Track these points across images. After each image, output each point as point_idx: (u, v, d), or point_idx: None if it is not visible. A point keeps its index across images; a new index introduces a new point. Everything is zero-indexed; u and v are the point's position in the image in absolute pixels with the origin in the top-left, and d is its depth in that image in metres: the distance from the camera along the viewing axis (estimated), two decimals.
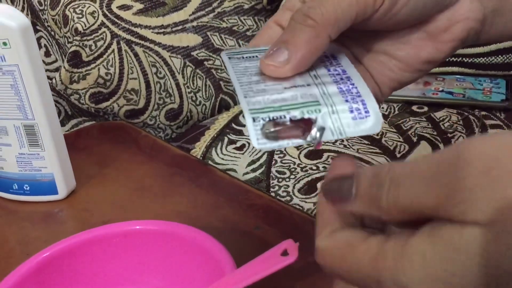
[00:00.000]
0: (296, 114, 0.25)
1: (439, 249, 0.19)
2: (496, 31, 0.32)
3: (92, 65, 0.65)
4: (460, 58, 0.72)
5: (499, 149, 0.19)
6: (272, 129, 0.25)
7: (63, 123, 0.68)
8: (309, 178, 0.55)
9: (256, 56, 0.28)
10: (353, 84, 0.27)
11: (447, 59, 0.73)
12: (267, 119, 0.25)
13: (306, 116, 0.25)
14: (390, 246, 0.21)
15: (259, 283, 0.34)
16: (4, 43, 0.43)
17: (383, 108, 0.66)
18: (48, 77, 0.50)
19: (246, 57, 0.28)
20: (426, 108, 0.66)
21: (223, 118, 0.69)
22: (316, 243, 0.24)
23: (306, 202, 0.53)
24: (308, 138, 0.25)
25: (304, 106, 0.26)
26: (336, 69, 0.28)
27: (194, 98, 0.71)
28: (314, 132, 0.25)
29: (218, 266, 0.31)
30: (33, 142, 0.47)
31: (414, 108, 0.66)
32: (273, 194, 0.54)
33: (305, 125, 0.25)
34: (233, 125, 0.66)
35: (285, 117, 0.25)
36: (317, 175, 0.55)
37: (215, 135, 0.65)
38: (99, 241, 0.34)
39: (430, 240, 0.20)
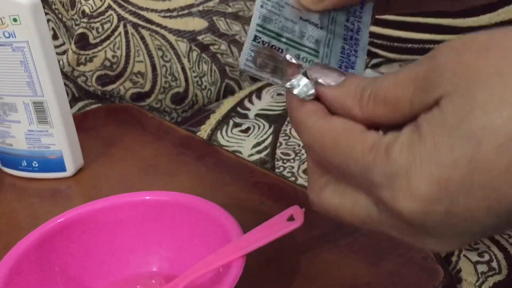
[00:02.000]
0: (292, 55, 0.26)
1: (435, 137, 0.20)
2: None
3: (99, 48, 0.65)
4: None
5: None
6: (263, 61, 0.26)
7: (70, 105, 0.68)
8: None
9: None
10: (356, 52, 0.28)
11: None
12: (266, 45, 0.26)
13: (300, 61, 0.26)
14: (385, 140, 0.22)
15: (265, 256, 0.34)
16: (14, 19, 0.43)
17: None
18: None
19: None
20: None
21: (229, 102, 0.69)
22: (303, 119, 0.24)
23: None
24: (288, 84, 0.26)
25: (303, 50, 0.27)
26: (353, 22, 0.29)
27: (199, 83, 0.71)
28: (295, 81, 0.26)
29: (226, 232, 0.31)
30: (42, 119, 0.48)
31: None
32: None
33: (294, 68, 0.26)
34: (239, 108, 0.67)
35: (282, 51, 0.26)
36: None
37: (221, 118, 0.65)
38: (109, 210, 0.35)
39: (414, 130, 0.21)
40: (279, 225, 0.29)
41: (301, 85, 0.25)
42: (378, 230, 0.23)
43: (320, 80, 0.25)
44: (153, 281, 0.33)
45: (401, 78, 0.22)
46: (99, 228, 0.35)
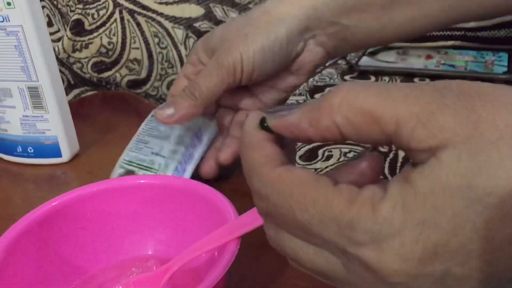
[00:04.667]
0: (138, 172, 0.41)
1: (420, 190, 0.19)
2: (344, 51, 0.43)
3: (95, 34, 0.65)
4: (462, 32, 0.72)
5: None
6: None
7: (66, 92, 0.68)
8: (310, 146, 0.55)
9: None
10: (184, 170, 0.42)
11: (450, 33, 0.73)
12: (125, 171, 0.41)
13: (140, 173, 0.41)
14: (367, 194, 0.20)
15: (259, 239, 0.34)
16: (8, 3, 0.43)
17: (385, 79, 0.66)
18: None
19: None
20: (428, 80, 0.66)
21: None
22: (263, 171, 0.22)
23: (307, 168, 0.53)
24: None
25: (144, 169, 0.41)
26: (188, 149, 0.43)
27: None
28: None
29: (221, 215, 0.31)
30: (37, 104, 0.47)
31: (416, 80, 0.66)
32: None
33: None
34: None
35: (133, 172, 0.41)
36: (319, 143, 0.55)
37: None
38: (104, 194, 0.35)
39: (406, 186, 0.19)
40: None
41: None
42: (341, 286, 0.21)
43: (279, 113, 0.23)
44: (149, 264, 0.33)
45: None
46: (94, 212, 0.34)
